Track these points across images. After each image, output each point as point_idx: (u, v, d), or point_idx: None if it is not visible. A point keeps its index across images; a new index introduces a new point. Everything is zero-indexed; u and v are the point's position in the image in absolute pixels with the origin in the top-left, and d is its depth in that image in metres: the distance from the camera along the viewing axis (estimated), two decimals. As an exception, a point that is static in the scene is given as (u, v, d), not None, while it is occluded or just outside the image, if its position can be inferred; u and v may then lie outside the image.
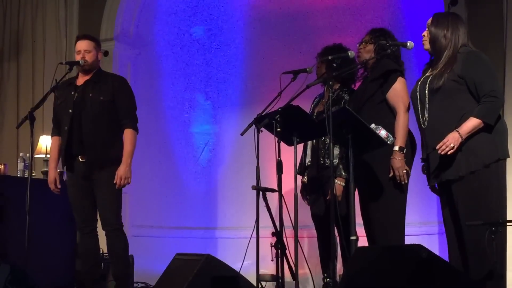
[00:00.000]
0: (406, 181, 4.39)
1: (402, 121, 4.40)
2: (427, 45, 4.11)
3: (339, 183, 4.75)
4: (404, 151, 4.37)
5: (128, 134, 4.81)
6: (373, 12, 6.93)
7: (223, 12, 7.38)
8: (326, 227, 5.04)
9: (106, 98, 4.78)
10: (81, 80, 4.89)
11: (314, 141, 5.03)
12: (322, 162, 4.91)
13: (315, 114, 5.08)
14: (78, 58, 4.84)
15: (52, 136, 5.01)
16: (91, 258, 4.88)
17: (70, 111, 4.77)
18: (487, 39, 5.49)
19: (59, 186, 4.89)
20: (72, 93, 4.83)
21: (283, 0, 7.22)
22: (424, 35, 4.12)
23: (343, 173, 4.74)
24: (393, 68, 4.49)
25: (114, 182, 4.71)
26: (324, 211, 4.98)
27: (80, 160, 4.77)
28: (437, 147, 3.88)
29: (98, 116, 4.76)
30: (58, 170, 4.94)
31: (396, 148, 4.35)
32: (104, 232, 4.83)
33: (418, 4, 6.69)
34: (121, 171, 4.72)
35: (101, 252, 5.21)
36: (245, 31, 7.34)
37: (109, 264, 5.54)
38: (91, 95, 4.79)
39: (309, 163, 5.11)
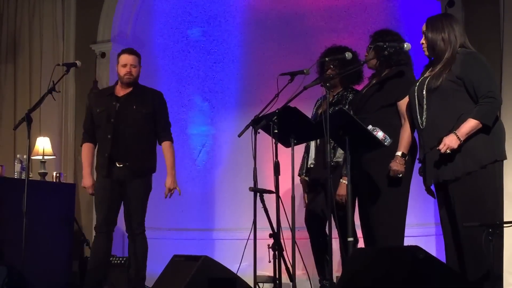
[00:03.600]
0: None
1: (409, 129, 4.40)
2: (427, 52, 4.12)
3: (345, 182, 4.72)
4: (406, 158, 4.38)
5: (167, 146, 5.15)
6: (370, 14, 6.93)
7: (220, 14, 7.38)
8: (321, 228, 5.04)
9: (147, 110, 5.06)
10: (121, 91, 5.11)
11: (319, 141, 5.03)
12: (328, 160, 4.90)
13: (318, 114, 5.08)
14: (123, 71, 5.05)
15: (83, 143, 5.19)
16: (100, 258, 5.03)
17: (113, 120, 4.99)
18: (484, 40, 5.49)
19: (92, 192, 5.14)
20: (114, 103, 5.04)
21: (280, 1, 7.22)
22: (422, 43, 4.12)
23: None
24: (409, 76, 4.49)
25: (165, 192, 5.15)
26: (322, 211, 4.99)
27: (118, 165, 4.98)
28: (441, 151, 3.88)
29: (140, 127, 5.03)
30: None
31: (399, 153, 4.36)
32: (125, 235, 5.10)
33: (415, 5, 6.70)
34: (168, 183, 5.13)
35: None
36: (242, 32, 7.34)
37: (111, 267, 5.61)
38: (134, 107, 5.03)
39: (311, 165, 5.10)
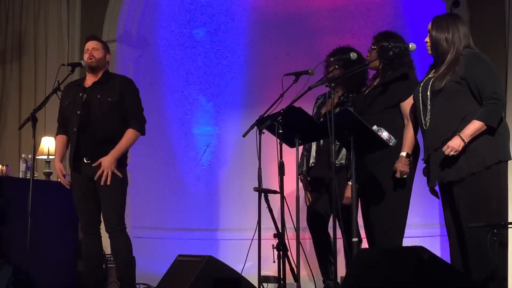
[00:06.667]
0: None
1: (412, 130, 4.40)
2: (430, 51, 4.11)
3: (352, 184, 4.71)
4: (410, 159, 4.38)
5: (128, 132, 4.79)
6: (375, 14, 6.93)
7: (225, 14, 7.39)
8: (324, 229, 5.04)
9: (113, 99, 4.79)
10: (89, 81, 4.90)
11: (322, 142, 5.03)
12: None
13: (321, 114, 5.07)
14: (85, 56, 4.87)
15: (57, 135, 5.00)
16: (94, 259, 4.88)
17: (79, 112, 4.78)
18: (489, 41, 5.48)
19: (64, 172, 4.87)
20: (81, 94, 4.84)
21: (285, 1, 7.22)
22: (426, 41, 4.12)
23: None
24: (412, 78, 4.49)
25: (99, 172, 4.66)
26: (324, 212, 4.99)
27: (86, 161, 4.77)
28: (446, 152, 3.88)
29: (106, 117, 4.77)
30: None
31: (403, 154, 4.36)
32: (107, 234, 4.83)
33: (420, 5, 6.69)
34: (105, 161, 4.68)
35: (103, 253, 5.21)
36: (247, 32, 7.34)
37: (111, 265, 5.54)
38: (99, 96, 4.80)
39: (312, 164, 5.10)
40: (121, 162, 4.82)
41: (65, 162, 5.05)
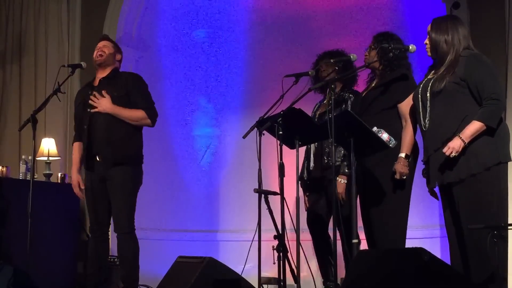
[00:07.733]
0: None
1: (411, 131, 4.41)
2: (429, 53, 4.12)
3: (340, 180, 4.74)
4: (410, 159, 4.39)
5: (139, 110, 4.78)
6: (375, 16, 6.93)
7: (225, 15, 7.39)
8: (324, 231, 5.04)
9: (119, 93, 4.79)
10: (97, 79, 4.91)
11: (317, 144, 5.03)
12: (326, 161, 4.92)
13: (317, 116, 5.09)
14: (95, 54, 4.89)
15: (73, 142, 5.01)
16: (98, 260, 4.87)
17: (89, 110, 4.79)
18: (489, 42, 5.49)
19: (82, 187, 4.87)
20: (90, 92, 4.85)
21: (285, 3, 7.23)
22: (426, 43, 4.12)
23: (346, 170, 4.74)
24: (410, 79, 4.49)
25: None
26: (324, 213, 4.99)
27: (98, 159, 4.75)
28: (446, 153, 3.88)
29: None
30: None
31: (402, 155, 4.36)
32: (113, 235, 4.83)
33: (420, 7, 6.70)
34: (105, 101, 4.72)
35: (108, 255, 5.21)
36: (247, 34, 7.34)
37: (113, 267, 5.54)
38: (105, 91, 4.79)
39: (312, 168, 5.11)
40: (136, 161, 4.82)
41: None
